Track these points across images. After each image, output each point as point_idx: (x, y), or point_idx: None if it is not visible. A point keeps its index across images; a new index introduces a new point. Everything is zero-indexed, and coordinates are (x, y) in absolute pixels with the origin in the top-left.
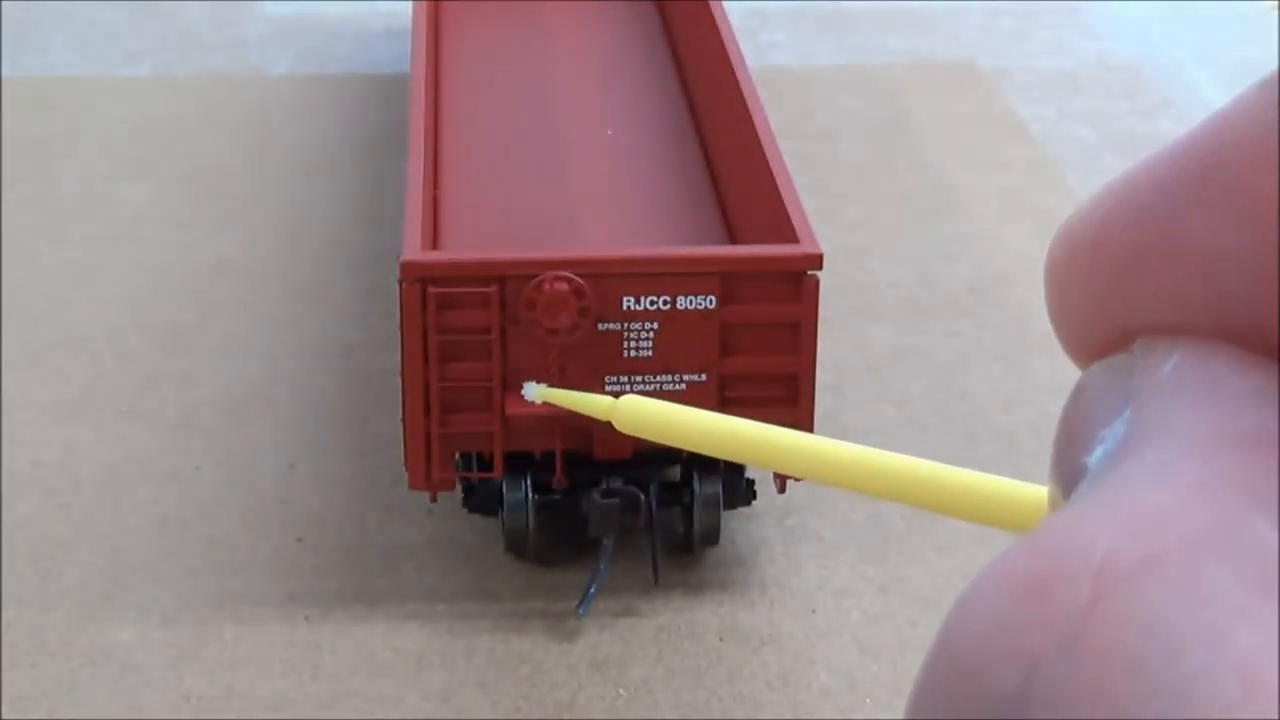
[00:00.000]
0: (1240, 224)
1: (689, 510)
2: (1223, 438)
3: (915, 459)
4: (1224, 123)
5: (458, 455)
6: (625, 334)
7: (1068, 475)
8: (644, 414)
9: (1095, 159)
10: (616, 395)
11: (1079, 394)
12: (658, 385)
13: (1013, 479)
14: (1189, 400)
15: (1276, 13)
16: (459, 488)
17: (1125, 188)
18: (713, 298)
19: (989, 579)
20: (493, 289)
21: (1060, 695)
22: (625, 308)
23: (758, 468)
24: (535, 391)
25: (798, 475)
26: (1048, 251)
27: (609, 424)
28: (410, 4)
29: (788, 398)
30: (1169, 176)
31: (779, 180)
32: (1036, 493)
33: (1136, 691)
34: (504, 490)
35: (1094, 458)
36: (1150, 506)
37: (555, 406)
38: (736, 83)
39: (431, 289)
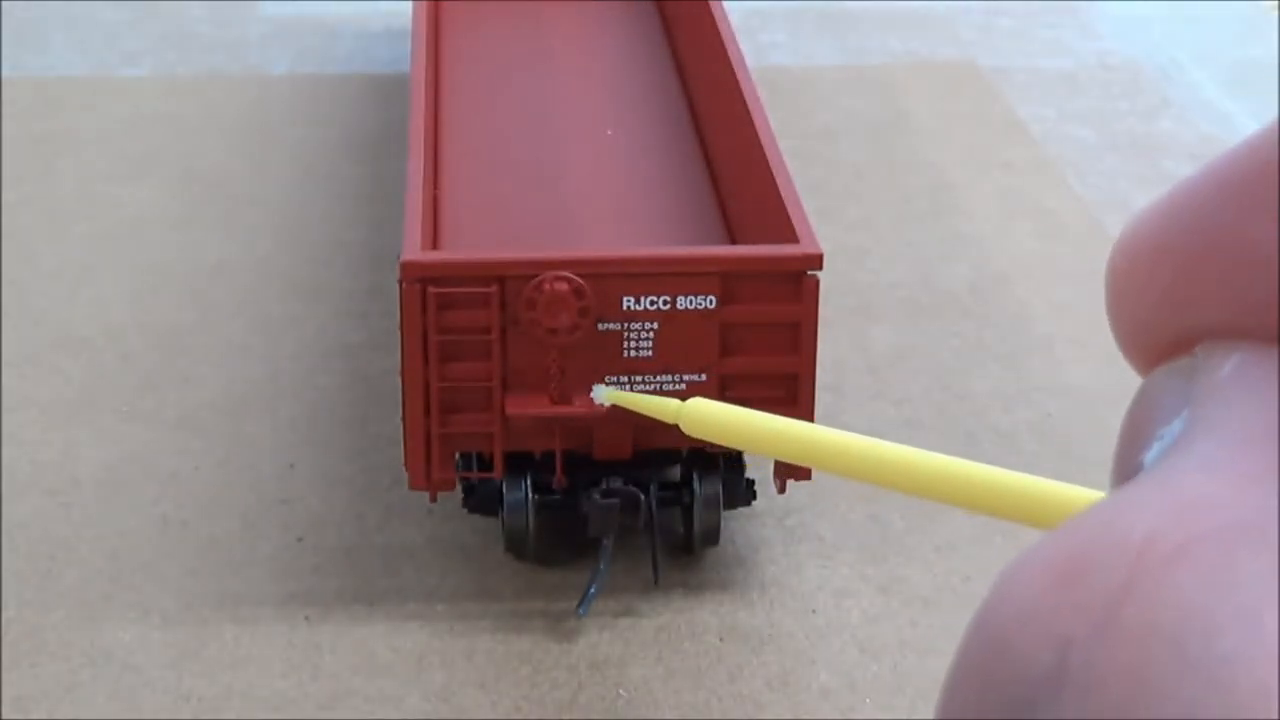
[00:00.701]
0: None
1: (689, 510)
2: (1273, 434)
3: (974, 463)
4: None
5: (458, 455)
6: (625, 334)
7: (1125, 473)
8: (710, 417)
9: (1095, 159)
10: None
11: (1142, 397)
12: (658, 385)
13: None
14: (1243, 398)
15: (1276, 13)
16: (459, 488)
17: (1186, 192)
18: (713, 298)
19: (1028, 561)
20: (493, 289)
21: (1095, 676)
22: (625, 308)
23: (822, 471)
24: (604, 394)
25: (859, 479)
26: (1110, 257)
27: (608, 424)
28: (410, 4)
29: (788, 398)
30: (1230, 180)
31: (779, 180)
32: (1082, 494)
33: (1170, 672)
34: (504, 490)
35: (1149, 456)
36: (1193, 494)
37: (551, 407)
38: (736, 83)
39: (431, 289)
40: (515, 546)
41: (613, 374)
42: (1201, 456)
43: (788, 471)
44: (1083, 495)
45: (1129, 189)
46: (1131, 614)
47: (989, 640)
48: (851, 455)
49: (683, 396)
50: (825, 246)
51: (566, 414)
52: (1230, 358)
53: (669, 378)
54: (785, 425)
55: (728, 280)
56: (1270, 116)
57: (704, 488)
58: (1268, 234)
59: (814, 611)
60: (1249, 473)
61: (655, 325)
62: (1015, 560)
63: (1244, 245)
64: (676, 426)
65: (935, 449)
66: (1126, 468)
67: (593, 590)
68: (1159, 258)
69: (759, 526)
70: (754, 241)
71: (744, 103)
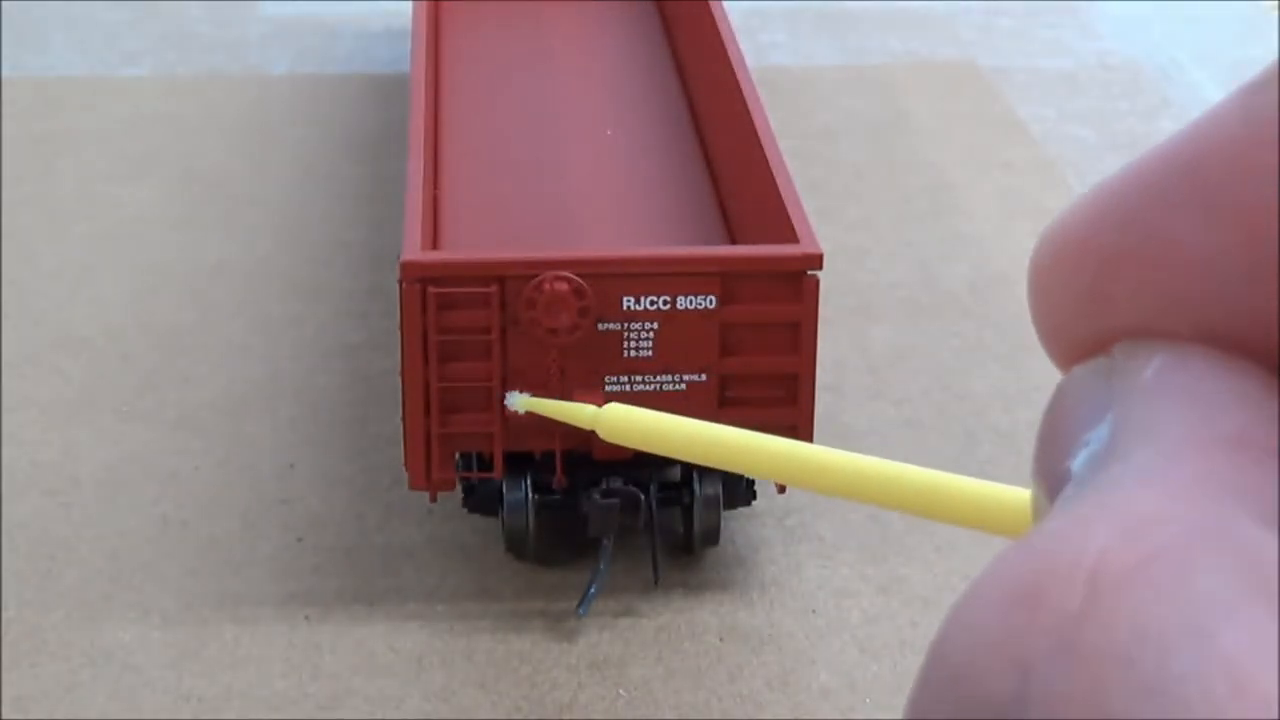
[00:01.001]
0: (1223, 228)
1: (689, 510)
2: (1207, 439)
3: (905, 465)
4: (1209, 127)
5: (458, 455)
6: (625, 334)
7: (1051, 480)
8: (628, 423)
9: (1095, 159)
10: (617, 395)
11: (1060, 397)
12: (658, 385)
13: (1003, 483)
14: (1172, 403)
15: (1276, 13)
16: (459, 488)
17: (1109, 191)
18: (713, 298)
19: (982, 586)
20: (493, 289)
21: (1055, 700)
22: (625, 308)
23: (748, 476)
24: (517, 401)
25: (788, 483)
26: (1032, 254)
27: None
28: (410, 4)
29: (787, 398)
30: (1153, 180)
31: (779, 180)
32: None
33: (1129, 694)
34: (504, 490)
35: (1078, 462)
36: (1140, 510)
37: None
38: (736, 83)
39: (431, 289)
40: (515, 546)
41: (612, 374)
42: (1140, 467)
43: None
44: (1016, 495)
45: None
46: (1088, 638)
47: (949, 667)
48: (779, 460)
49: (683, 396)
50: (825, 246)
51: None
52: (1152, 359)
53: (669, 378)
54: (706, 430)
55: (728, 280)
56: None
57: (704, 488)
58: (1190, 234)
59: (814, 611)
60: (1189, 482)
61: (655, 325)
62: (969, 587)
63: (1166, 245)
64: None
65: (935, 449)
66: (1052, 472)
67: (593, 590)
68: (1081, 256)
69: (759, 526)
70: (754, 241)
71: (744, 103)
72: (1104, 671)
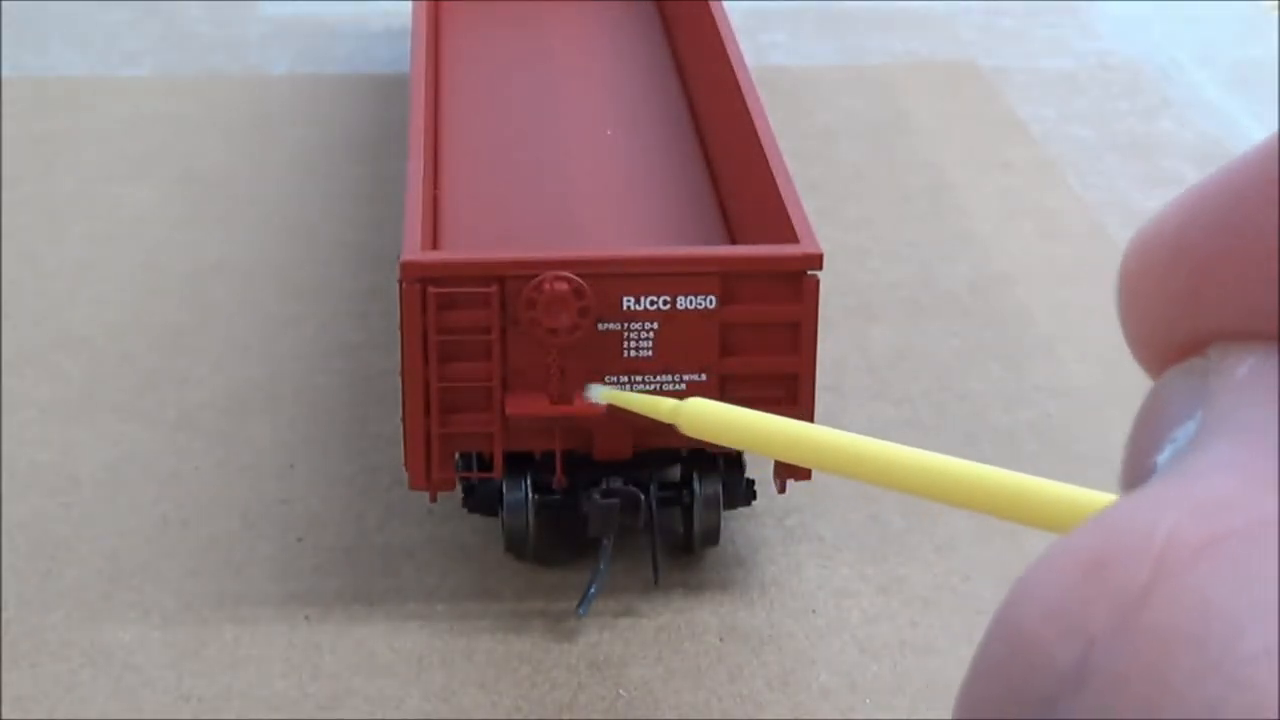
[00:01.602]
0: None
1: (689, 510)
2: None
3: (978, 464)
4: None
5: (458, 455)
6: (625, 334)
7: (1137, 477)
8: (709, 416)
9: (1095, 159)
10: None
11: (1153, 399)
12: (658, 385)
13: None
14: (1260, 400)
15: (1276, 13)
16: (459, 488)
17: (1202, 196)
18: (713, 298)
19: (1051, 559)
20: (493, 289)
21: (1117, 675)
22: (625, 308)
23: (823, 471)
24: (599, 393)
25: (861, 480)
26: (1123, 259)
27: (608, 424)
28: (410, 4)
29: (787, 398)
30: (1245, 182)
31: (779, 180)
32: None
33: (1192, 673)
34: (504, 490)
35: (1162, 458)
36: (1213, 494)
37: (551, 407)
38: (736, 83)
39: (431, 289)
40: (515, 546)
41: (613, 374)
42: (1221, 456)
43: (788, 471)
44: (1088, 496)
45: (1129, 189)
46: (1154, 614)
47: (1011, 637)
48: (852, 455)
49: (682, 396)
50: (825, 246)
51: (566, 414)
52: (1245, 359)
53: (669, 378)
54: (785, 425)
55: (728, 280)
56: (1270, 117)
57: (704, 488)
58: None
59: (814, 611)
60: (1268, 473)
61: (655, 325)
62: (1038, 558)
63: (1259, 248)
64: (674, 426)
65: (935, 449)
66: (1138, 470)
67: (593, 590)
68: (1174, 260)
69: (759, 526)
70: (754, 241)
71: (744, 103)
72: (1168, 648)
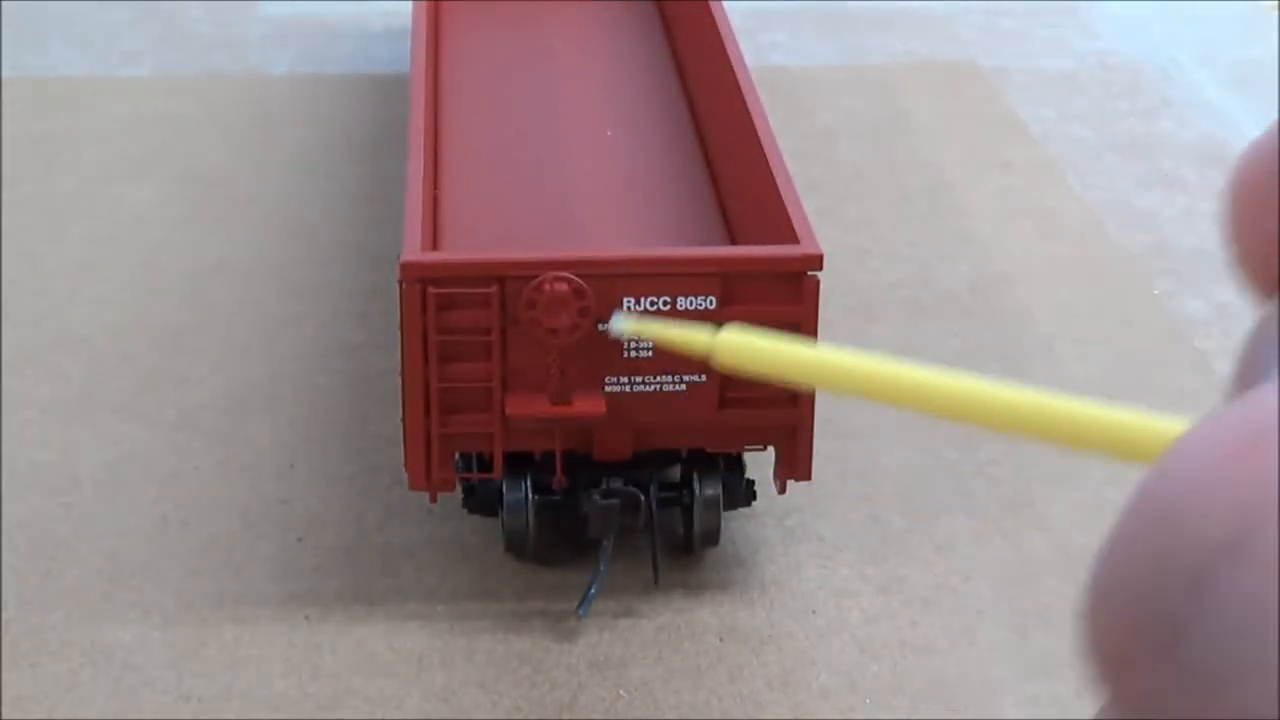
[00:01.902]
0: None
1: (689, 510)
2: None
3: (1040, 392)
4: None
5: (458, 455)
6: None
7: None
8: (746, 349)
9: (1095, 159)
10: (617, 395)
11: (1265, 324)
12: (658, 385)
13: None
14: None
15: (1276, 13)
16: (459, 488)
17: None
18: (713, 298)
19: (1196, 438)
20: (493, 289)
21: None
22: (625, 308)
23: (870, 400)
24: (624, 323)
25: (916, 411)
26: (1232, 177)
27: (608, 424)
28: (410, 4)
29: (787, 398)
30: None
31: (779, 180)
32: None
33: None
34: (504, 490)
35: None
36: None
37: (551, 407)
38: (736, 83)
39: (431, 289)
40: (515, 546)
41: (613, 374)
42: None
43: (788, 472)
44: (1165, 425)
45: (1129, 189)
46: None
47: (1159, 509)
48: (894, 382)
49: (683, 397)
50: (825, 246)
51: (566, 414)
52: None
53: (669, 378)
54: (826, 355)
55: (728, 280)
56: (1270, 117)
57: (704, 488)
58: None
59: (814, 611)
60: None
61: None
62: (1181, 438)
63: None
64: (675, 426)
65: (935, 449)
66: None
67: (593, 590)
68: None
69: (759, 526)
70: (754, 241)
71: (744, 103)
72: None
